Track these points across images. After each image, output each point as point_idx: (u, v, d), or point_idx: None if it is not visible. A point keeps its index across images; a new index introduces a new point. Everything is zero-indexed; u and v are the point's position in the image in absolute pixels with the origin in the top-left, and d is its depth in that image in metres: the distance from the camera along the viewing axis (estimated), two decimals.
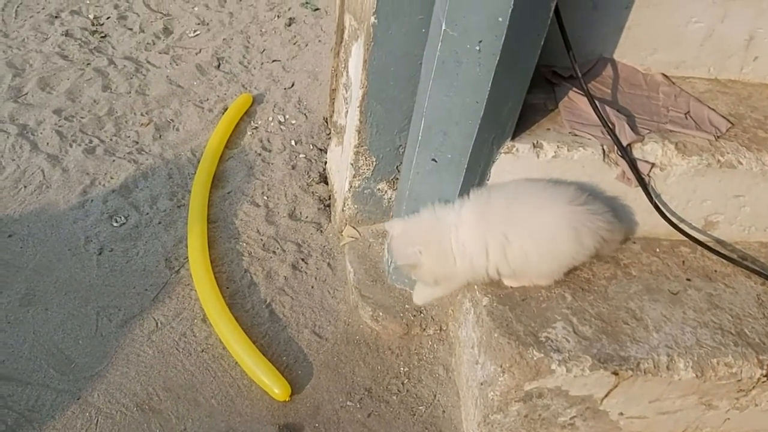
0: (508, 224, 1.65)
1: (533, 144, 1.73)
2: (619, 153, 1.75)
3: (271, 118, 2.68)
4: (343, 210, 2.18)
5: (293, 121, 2.68)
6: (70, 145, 2.43)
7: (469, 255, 1.67)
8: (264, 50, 3.04)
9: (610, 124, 1.75)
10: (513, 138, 1.73)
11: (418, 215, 1.75)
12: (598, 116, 1.74)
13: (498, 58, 1.47)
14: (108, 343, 1.86)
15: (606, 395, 1.65)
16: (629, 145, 1.76)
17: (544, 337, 1.62)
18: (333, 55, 2.39)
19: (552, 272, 1.73)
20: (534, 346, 1.60)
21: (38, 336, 1.86)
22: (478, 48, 1.46)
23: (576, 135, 1.78)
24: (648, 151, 1.78)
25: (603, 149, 1.75)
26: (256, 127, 2.64)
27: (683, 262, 1.88)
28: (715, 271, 1.87)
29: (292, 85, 2.85)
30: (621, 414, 1.71)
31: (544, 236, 1.65)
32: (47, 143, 2.43)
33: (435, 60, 1.52)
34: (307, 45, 3.07)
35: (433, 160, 1.70)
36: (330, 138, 2.54)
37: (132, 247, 2.12)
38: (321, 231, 2.26)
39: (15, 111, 2.53)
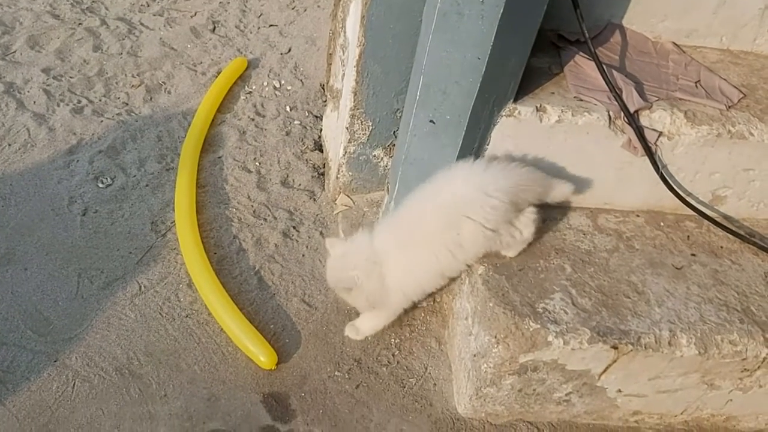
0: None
1: (536, 107, 1.65)
2: (626, 120, 1.67)
3: (266, 83, 2.59)
4: (337, 177, 2.10)
5: (289, 87, 2.59)
6: (58, 105, 2.35)
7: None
8: (261, 14, 2.95)
9: (617, 90, 1.67)
10: (515, 100, 1.65)
11: (357, 237, 1.69)
12: (605, 80, 1.66)
13: (502, 10, 1.39)
14: (88, 306, 1.79)
15: (604, 371, 1.58)
16: (636, 111, 1.68)
17: (542, 308, 1.55)
18: (331, 17, 2.30)
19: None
20: (530, 317, 1.53)
21: (16, 296, 1.79)
22: None
23: (581, 100, 1.70)
24: (656, 119, 1.71)
25: (609, 115, 1.68)
26: (250, 92, 2.55)
27: (688, 236, 1.81)
28: (721, 247, 1.79)
29: (289, 51, 2.77)
30: (619, 391, 1.65)
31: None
32: (34, 102, 2.34)
33: (435, 12, 1.44)
34: (305, 10, 2.98)
35: (431, 121, 1.62)
36: (326, 105, 2.46)
37: (117, 209, 2.05)
38: (314, 199, 2.19)
39: (2, 68, 2.45)
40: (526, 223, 1.63)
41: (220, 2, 2.98)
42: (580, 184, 1.80)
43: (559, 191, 1.70)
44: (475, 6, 1.40)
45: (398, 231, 1.65)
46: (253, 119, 2.43)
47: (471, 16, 1.42)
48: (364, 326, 1.80)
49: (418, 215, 1.62)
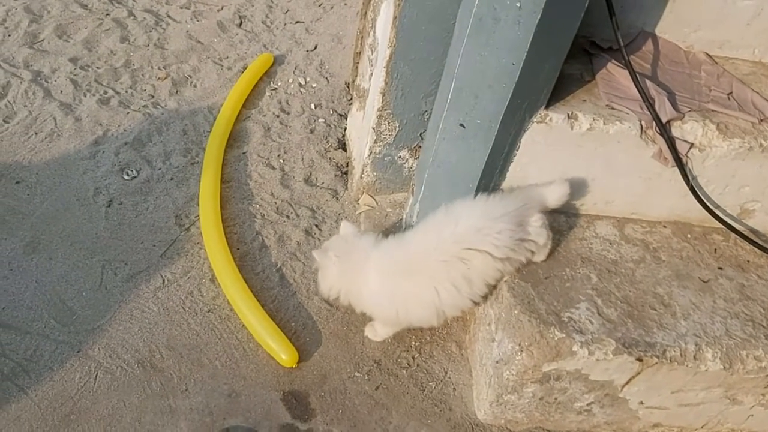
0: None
1: (568, 114, 1.64)
2: (658, 130, 1.65)
3: (291, 80, 2.59)
4: (361, 177, 2.10)
5: (314, 85, 2.59)
6: (84, 95, 2.36)
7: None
8: (288, 11, 2.95)
9: (650, 99, 1.66)
10: (547, 107, 1.64)
11: (365, 236, 1.70)
12: (638, 89, 1.65)
13: (539, 17, 1.37)
14: (112, 297, 1.80)
15: (627, 382, 1.57)
16: (668, 122, 1.67)
17: (567, 317, 1.54)
18: (359, 16, 2.29)
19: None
20: (556, 326, 1.52)
21: (41, 285, 1.80)
22: (518, 4, 1.37)
23: (613, 108, 1.69)
24: (688, 130, 1.69)
25: (641, 125, 1.66)
26: (276, 89, 2.55)
27: (715, 249, 1.79)
28: (748, 261, 1.78)
29: (315, 48, 2.76)
30: (641, 403, 1.64)
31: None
32: (61, 91, 2.36)
33: (471, 16, 1.43)
34: (332, 7, 2.97)
35: (461, 125, 1.61)
36: (351, 103, 2.46)
37: (142, 202, 2.05)
38: (337, 198, 2.18)
39: (30, 57, 2.46)
40: (537, 232, 1.62)
41: None
42: (608, 193, 1.79)
43: (557, 194, 1.68)
44: (513, 11, 1.39)
45: (400, 258, 1.63)
46: (277, 116, 2.43)
47: (507, 21, 1.41)
48: (381, 328, 1.80)
49: (424, 249, 1.59)
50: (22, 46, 2.50)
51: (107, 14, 2.74)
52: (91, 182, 2.08)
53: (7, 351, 1.65)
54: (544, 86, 1.58)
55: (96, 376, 1.64)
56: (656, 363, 1.51)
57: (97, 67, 2.48)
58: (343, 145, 2.37)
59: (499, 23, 1.41)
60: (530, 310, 1.55)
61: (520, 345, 1.52)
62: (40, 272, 1.83)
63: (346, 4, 2.98)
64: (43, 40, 2.55)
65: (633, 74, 1.65)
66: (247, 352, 1.74)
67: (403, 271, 1.61)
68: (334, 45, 2.78)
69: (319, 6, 2.98)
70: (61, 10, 2.71)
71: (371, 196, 2.12)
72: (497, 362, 1.60)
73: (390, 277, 1.62)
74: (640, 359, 1.50)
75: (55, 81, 2.39)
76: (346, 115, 2.46)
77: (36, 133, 2.19)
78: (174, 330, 1.75)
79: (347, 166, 2.29)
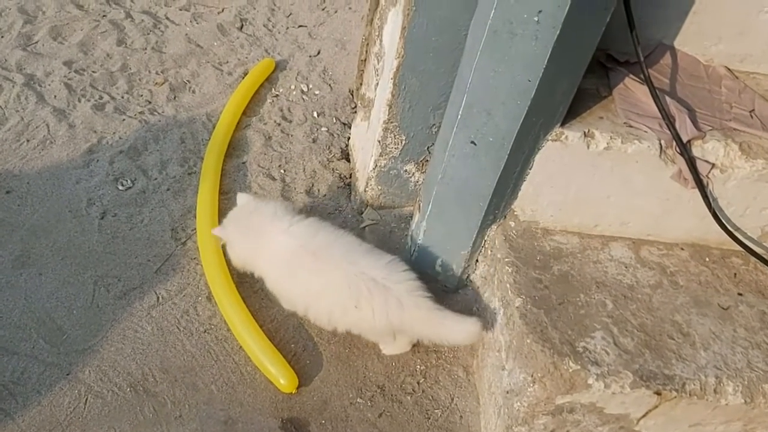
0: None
1: (584, 132, 1.57)
2: (678, 150, 1.58)
3: (293, 87, 2.51)
4: (365, 190, 2.02)
5: (317, 92, 2.51)
6: (79, 100, 2.28)
7: None
8: (290, 14, 2.87)
9: (670, 117, 1.58)
10: (562, 124, 1.56)
11: (269, 204, 1.73)
12: (658, 107, 1.57)
13: (558, 32, 1.30)
14: (104, 316, 1.72)
15: (644, 415, 1.49)
16: (689, 141, 1.59)
17: (582, 347, 1.47)
18: (365, 22, 2.21)
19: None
20: (570, 357, 1.44)
21: (30, 302, 1.72)
22: (536, 18, 1.29)
23: (631, 126, 1.61)
24: (709, 149, 1.61)
25: (660, 144, 1.58)
26: (277, 95, 2.47)
27: (735, 274, 1.72)
28: None
29: (318, 53, 2.68)
30: None
31: None
32: (54, 96, 2.27)
33: (485, 30, 1.36)
34: (336, 12, 2.89)
35: (472, 142, 1.54)
36: (355, 112, 2.38)
37: (137, 214, 1.97)
38: (339, 211, 2.10)
39: (23, 59, 2.38)
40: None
41: None
42: (624, 214, 1.71)
43: (463, 335, 1.59)
44: (530, 26, 1.31)
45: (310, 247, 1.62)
46: (279, 124, 2.35)
47: (524, 36, 1.33)
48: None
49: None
50: (16, 48, 2.42)
51: (104, 16, 2.66)
52: (84, 192, 2.00)
53: None
54: (561, 103, 1.51)
55: (86, 400, 1.56)
56: (675, 397, 1.44)
57: (93, 71, 2.40)
58: (346, 156, 2.29)
59: (515, 38, 1.34)
60: (543, 339, 1.47)
61: (532, 376, 1.44)
62: (30, 288, 1.75)
63: (350, 8, 2.90)
64: (37, 42, 2.47)
65: (653, 90, 1.57)
66: (244, 375, 1.66)
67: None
68: (337, 51, 2.70)
69: (323, 10, 2.90)
70: (56, 11, 2.63)
71: (375, 210, 2.05)
72: (507, 392, 1.53)
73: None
74: (658, 393, 1.43)
75: (49, 85, 2.31)
76: (350, 124, 2.39)
77: (28, 140, 2.11)
78: (168, 351, 1.68)
79: (350, 177, 2.22)
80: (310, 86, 2.53)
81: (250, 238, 1.67)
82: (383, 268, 1.56)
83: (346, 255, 1.59)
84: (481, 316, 1.74)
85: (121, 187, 2.03)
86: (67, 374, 1.60)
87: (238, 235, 1.70)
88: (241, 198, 1.78)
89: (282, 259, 1.63)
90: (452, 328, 1.55)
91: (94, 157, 2.10)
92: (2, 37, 2.45)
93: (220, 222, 1.93)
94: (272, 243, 1.64)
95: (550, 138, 1.56)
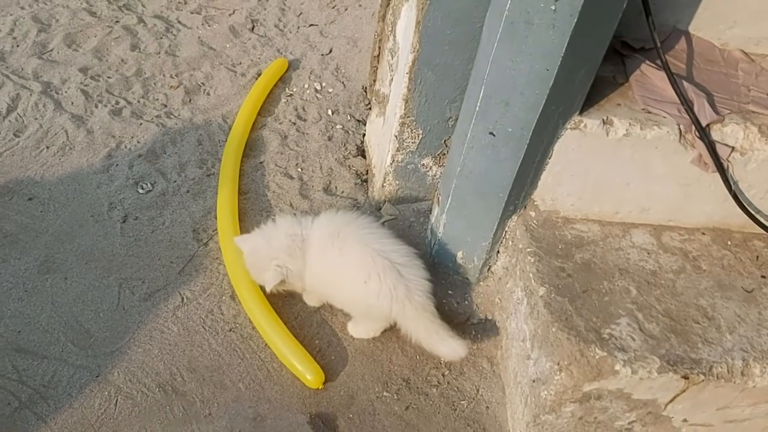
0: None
1: (603, 120, 1.57)
2: (697, 134, 1.57)
3: (307, 86, 2.52)
4: (383, 186, 2.03)
5: (330, 90, 2.52)
6: (96, 106, 2.30)
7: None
8: (301, 13, 2.88)
9: (688, 102, 1.58)
10: (581, 112, 1.56)
11: (267, 228, 1.70)
12: (675, 92, 1.57)
13: (576, 20, 1.30)
14: (130, 318, 1.74)
15: (671, 400, 1.49)
16: (708, 125, 1.59)
17: (608, 333, 1.47)
18: (377, 18, 2.22)
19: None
20: (596, 344, 1.44)
21: (56, 307, 1.74)
22: (553, 7, 1.29)
23: (649, 112, 1.61)
24: (728, 133, 1.61)
25: (679, 129, 1.58)
26: (291, 95, 2.48)
27: (757, 257, 1.71)
28: None
29: (330, 52, 2.69)
30: (685, 420, 1.56)
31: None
32: (72, 102, 2.30)
33: (502, 20, 1.36)
34: (346, 9, 2.90)
35: (491, 133, 1.54)
36: (370, 108, 2.39)
37: (158, 216, 1.99)
38: (357, 207, 2.11)
39: (39, 68, 2.40)
40: None
41: (259, 0, 2.91)
42: (644, 200, 1.71)
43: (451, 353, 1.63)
44: (547, 15, 1.31)
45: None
46: (294, 123, 2.36)
47: (541, 26, 1.33)
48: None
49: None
50: (31, 56, 2.44)
51: (117, 21, 2.68)
52: (105, 197, 2.02)
53: (24, 377, 1.59)
54: (579, 92, 1.51)
55: (116, 401, 1.58)
56: (702, 380, 1.44)
57: (108, 77, 2.42)
58: (362, 152, 2.30)
59: (532, 27, 1.34)
60: (569, 327, 1.47)
61: (559, 364, 1.45)
62: (56, 293, 1.77)
63: (360, 6, 2.91)
64: (52, 50, 2.50)
65: (670, 76, 1.57)
66: (270, 372, 1.68)
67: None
68: (349, 48, 2.71)
69: (333, 8, 2.91)
70: (69, 19, 2.65)
71: (394, 206, 2.05)
72: (534, 381, 1.53)
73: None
74: (686, 377, 1.43)
75: (66, 92, 2.33)
76: (365, 121, 2.40)
77: (47, 147, 2.13)
78: (195, 351, 1.69)
79: (367, 173, 2.23)
80: (324, 84, 2.54)
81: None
82: (404, 255, 1.59)
83: (369, 237, 1.62)
84: (503, 307, 1.75)
85: (141, 191, 2.05)
86: (97, 376, 1.62)
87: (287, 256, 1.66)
88: (241, 240, 1.75)
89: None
90: (442, 342, 1.58)
91: (114, 162, 2.12)
92: (18, 46, 2.48)
93: (240, 222, 1.95)
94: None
95: (568, 126, 1.56)
